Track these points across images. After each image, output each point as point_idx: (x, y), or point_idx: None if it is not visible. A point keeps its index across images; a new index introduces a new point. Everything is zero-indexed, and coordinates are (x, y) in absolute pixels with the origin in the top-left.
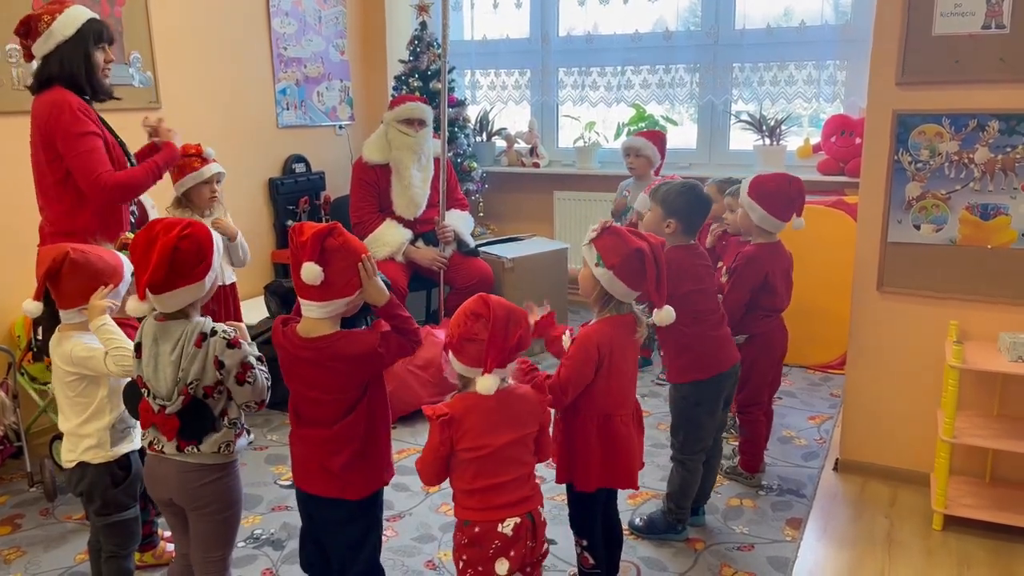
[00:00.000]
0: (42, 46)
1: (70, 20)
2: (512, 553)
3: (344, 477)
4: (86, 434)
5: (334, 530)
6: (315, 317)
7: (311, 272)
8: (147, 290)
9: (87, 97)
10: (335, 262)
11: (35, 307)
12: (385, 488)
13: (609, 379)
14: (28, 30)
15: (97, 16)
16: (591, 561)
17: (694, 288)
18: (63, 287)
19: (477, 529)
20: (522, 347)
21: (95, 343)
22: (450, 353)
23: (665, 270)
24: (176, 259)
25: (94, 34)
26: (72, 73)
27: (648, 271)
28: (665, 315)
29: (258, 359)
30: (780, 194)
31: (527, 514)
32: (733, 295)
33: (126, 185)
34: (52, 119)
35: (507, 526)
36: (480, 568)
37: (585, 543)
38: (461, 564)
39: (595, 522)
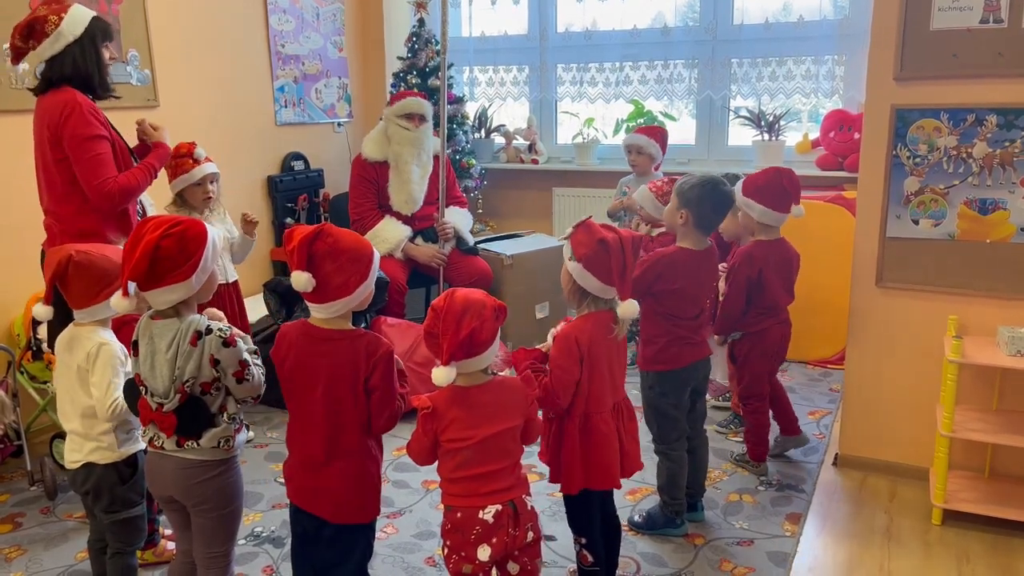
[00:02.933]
0: (50, 47)
1: (77, 20)
2: (494, 540)
3: (335, 500)
4: (94, 436)
5: (313, 544)
6: (323, 318)
7: (300, 280)
8: (133, 287)
9: (91, 96)
10: (325, 266)
11: (46, 311)
12: (385, 485)
13: (588, 377)
14: (32, 31)
15: (97, 13)
16: (590, 559)
17: (682, 288)
18: (71, 289)
19: (459, 515)
20: (476, 340)
21: (119, 352)
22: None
23: (631, 263)
24: (157, 257)
25: (100, 32)
26: (86, 73)
27: (613, 261)
28: (628, 308)
29: (253, 352)
30: (772, 185)
31: (509, 502)
32: (731, 295)
33: (126, 189)
34: (63, 119)
35: (488, 513)
36: (463, 553)
37: (584, 541)
38: (446, 550)
39: (593, 520)
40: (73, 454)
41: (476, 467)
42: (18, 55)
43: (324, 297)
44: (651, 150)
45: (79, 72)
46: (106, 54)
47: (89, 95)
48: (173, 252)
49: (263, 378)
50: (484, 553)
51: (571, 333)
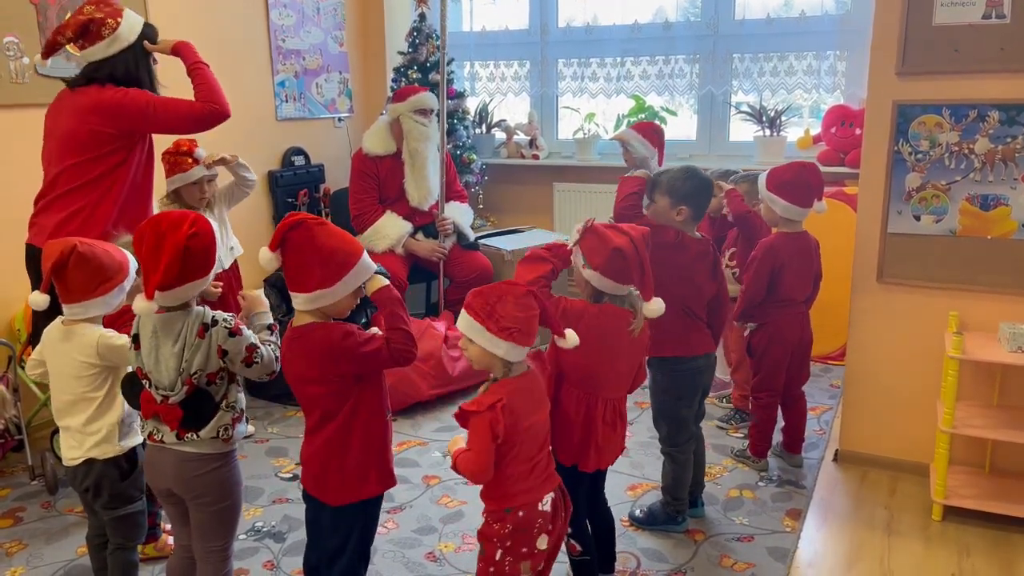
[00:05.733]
0: (103, 50)
1: (133, 26)
2: (551, 527)
3: (318, 477)
4: (94, 431)
5: (314, 533)
6: (299, 309)
7: (263, 256)
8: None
9: None
10: (292, 255)
11: (42, 300)
12: None
13: (598, 359)
14: (87, 32)
15: (147, 20)
16: (579, 548)
17: (684, 280)
18: (69, 280)
19: (521, 514)
20: None
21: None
22: (507, 342)
23: (649, 262)
24: (187, 256)
25: (149, 39)
26: (138, 78)
27: (631, 266)
28: (655, 307)
29: (267, 328)
30: (799, 182)
31: (558, 487)
32: (752, 283)
33: (208, 97)
34: (116, 106)
35: (546, 503)
36: (524, 550)
37: (570, 531)
38: (499, 553)
39: (579, 508)
40: (72, 451)
41: (538, 453)
42: (53, 50)
43: (291, 286)
44: (639, 150)
45: (130, 76)
46: (155, 64)
47: None
48: (199, 251)
49: (276, 353)
50: (543, 542)
51: (588, 309)
